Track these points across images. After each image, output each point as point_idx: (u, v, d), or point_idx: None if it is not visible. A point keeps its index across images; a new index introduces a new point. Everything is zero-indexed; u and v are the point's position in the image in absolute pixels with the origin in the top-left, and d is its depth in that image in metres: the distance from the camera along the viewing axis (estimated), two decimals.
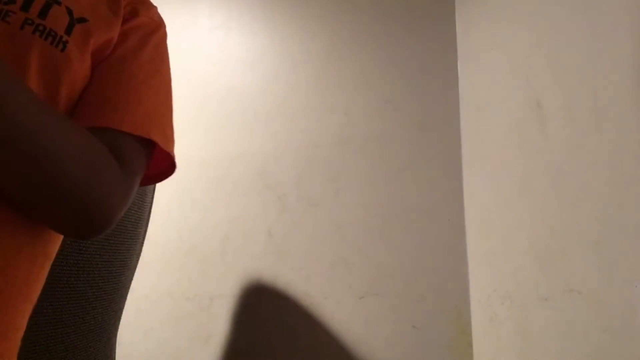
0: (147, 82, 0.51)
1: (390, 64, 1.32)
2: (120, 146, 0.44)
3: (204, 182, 1.40)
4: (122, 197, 0.44)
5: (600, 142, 0.67)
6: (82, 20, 0.45)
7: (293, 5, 1.44)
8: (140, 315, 1.37)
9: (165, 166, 0.55)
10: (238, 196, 1.37)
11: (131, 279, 0.91)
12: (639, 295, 0.58)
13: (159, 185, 1.45)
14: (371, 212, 1.25)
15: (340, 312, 1.22)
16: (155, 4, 0.60)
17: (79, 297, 0.68)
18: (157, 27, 0.55)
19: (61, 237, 0.47)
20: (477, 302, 1.12)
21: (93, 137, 0.42)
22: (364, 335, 1.19)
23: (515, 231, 0.93)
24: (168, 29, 0.60)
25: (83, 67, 0.45)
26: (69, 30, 0.44)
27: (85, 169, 0.39)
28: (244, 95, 1.43)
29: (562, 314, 0.75)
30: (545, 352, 0.80)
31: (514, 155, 0.95)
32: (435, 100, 1.27)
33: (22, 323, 0.41)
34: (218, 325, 1.30)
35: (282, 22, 1.44)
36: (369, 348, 1.18)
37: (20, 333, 0.41)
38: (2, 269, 0.38)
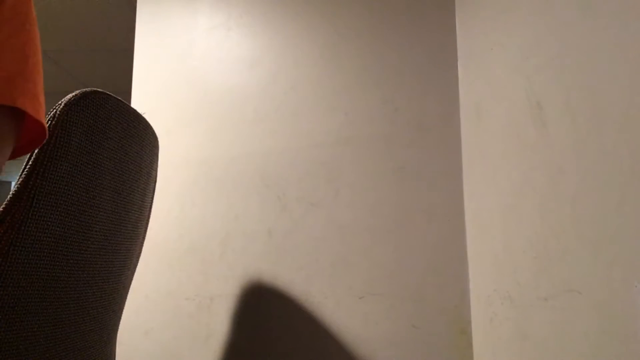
0: (8, 42, 0.44)
1: (390, 64, 1.32)
2: None
3: (204, 182, 1.40)
4: None
5: (600, 142, 0.67)
6: None
7: (293, 5, 1.44)
8: (140, 315, 1.37)
9: (34, 134, 0.49)
10: (238, 196, 1.37)
11: (131, 279, 0.91)
12: (639, 295, 0.58)
13: (159, 186, 1.46)
14: (371, 212, 1.25)
15: (340, 312, 1.22)
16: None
17: (79, 297, 0.68)
18: None
19: None
20: (477, 302, 1.12)
21: None
22: (364, 335, 1.19)
23: (515, 231, 0.93)
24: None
25: None
26: None
27: None
28: (243, 95, 1.43)
29: (562, 314, 0.75)
30: (545, 352, 0.80)
31: (513, 155, 0.95)
32: (435, 100, 1.27)
33: None
34: (218, 325, 1.30)
35: (282, 22, 1.44)
36: (369, 348, 1.18)
37: None
38: None
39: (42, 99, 0.47)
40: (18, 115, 0.44)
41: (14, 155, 0.48)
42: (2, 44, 0.43)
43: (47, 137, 0.49)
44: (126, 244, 0.81)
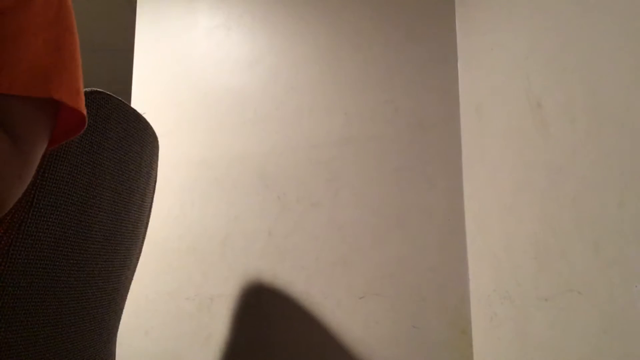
0: (41, 35, 0.43)
1: (390, 64, 1.32)
2: (11, 113, 0.39)
3: (204, 182, 1.40)
4: (16, 176, 0.38)
5: (600, 142, 0.67)
6: None
7: (293, 5, 1.44)
8: (140, 315, 1.37)
9: (74, 123, 0.48)
10: (238, 196, 1.37)
11: (131, 279, 0.91)
12: (639, 295, 0.58)
13: (159, 186, 1.46)
14: (371, 212, 1.25)
15: (340, 312, 1.22)
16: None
17: (79, 297, 0.68)
18: None
19: None
20: (477, 302, 1.12)
21: None
22: (364, 335, 1.19)
23: (515, 231, 0.93)
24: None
25: None
26: None
27: None
28: (243, 95, 1.43)
29: (562, 314, 0.75)
30: (545, 352, 0.80)
31: (514, 155, 0.95)
32: (435, 100, 1.27)
33: None
34: (218, 325, 1.30)
35: (282, 22, 1.44)
36: (369, 348, 1.18)
37: None
38: None
39: (80, 87, 0.46)
40: (54, 107, 0.43)
41: (49, 147, 0.47)
42: (34, 36, 0.42)
43: (85, 126, 0.48)
44: (126, 244, 0.81)
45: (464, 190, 1.21)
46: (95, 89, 0.68)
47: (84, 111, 0.46)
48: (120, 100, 0.74)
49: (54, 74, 0.43)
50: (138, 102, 1.53)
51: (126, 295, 0.89)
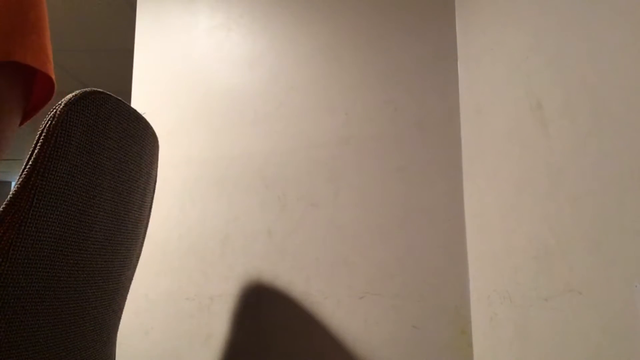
0: (2, 0, 0.40)
1: (390, 64, 1.32)
2: None
3: (204, 182, 1.40)
4: None
5: (600, 142, 0.67)
6: None
7: (293, 5, 1.44)
8: (140, 315, 1.37)
9: (45, 91, 0.45)
10: (238, 196, 1.37)
11: (131, 279, 0.91)
12: (639, 295, 0.58)
13: (159, 185, 1.46)
14: (371, 212, 1.25)
15: (340, 312, 1.22)
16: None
17: (79, 297, 0.68)
18: None
19: None
20: (477, 302, 1.12)
21: None
22: (364, 335, 1.19)
23: (515, 231, 0.93)
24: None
25: None
26: None
27: None
28: (243, 96, 1.43)
29: (562, 314, 0.75)
30: (545, 352, 0.80)
31: (514, 155, 0.95)
32: (435, 100, 1.27)
33: None
34: (218, 325, 1.30)
35: (282, 23, 1.44)
36: (369, 348, 1.18)
37: None
38: None
39: (49, 51, 0.43)
40: (24, 72, 0.41)
41: (29, 116, 0.45)
42: None
43: (54, 93, 0.46)
44: (126, 244, 0.81)
45: (464, 190, 1.21)
46: (95, 89, 0.68)
47: (52, 75, 0.43)
48: (120, 100, 0.74)
49: (18, 36, 0.40)
50: (138, 102, 1.53)
51: (126, 295, 0.89)
